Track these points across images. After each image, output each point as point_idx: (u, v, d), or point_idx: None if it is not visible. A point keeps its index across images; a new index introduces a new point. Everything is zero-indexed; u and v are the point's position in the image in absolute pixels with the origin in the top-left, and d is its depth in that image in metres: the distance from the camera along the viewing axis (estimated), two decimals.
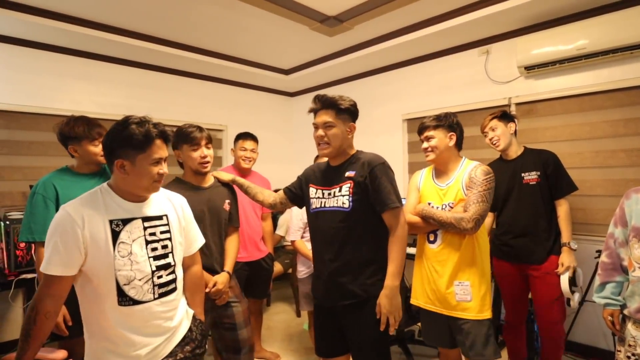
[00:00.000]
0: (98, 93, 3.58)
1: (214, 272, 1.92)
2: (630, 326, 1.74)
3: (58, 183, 1.89)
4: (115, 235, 1.25)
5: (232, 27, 3.29)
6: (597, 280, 1.89)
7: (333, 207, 1.71)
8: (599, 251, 2.41)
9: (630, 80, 2.68)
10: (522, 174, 2.35)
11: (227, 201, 2.05)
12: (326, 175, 1.81)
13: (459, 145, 1.97)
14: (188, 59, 3.78)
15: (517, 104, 3.25)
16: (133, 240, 1.29)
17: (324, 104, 1.72)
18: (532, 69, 3.05)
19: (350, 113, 1.74)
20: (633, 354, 1.72)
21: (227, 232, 2.08)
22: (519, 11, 2.85)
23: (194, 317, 1.53)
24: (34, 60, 3.22)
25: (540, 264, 2.28)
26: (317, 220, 1.78)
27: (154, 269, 1.33)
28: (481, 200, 1.78)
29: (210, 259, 1.92)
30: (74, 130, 1.89)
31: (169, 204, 1.47)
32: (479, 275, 1.83)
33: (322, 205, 1.76)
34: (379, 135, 4.30)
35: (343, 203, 1.68)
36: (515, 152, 2.45)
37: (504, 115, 2.44)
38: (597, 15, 2.73)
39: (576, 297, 2.24)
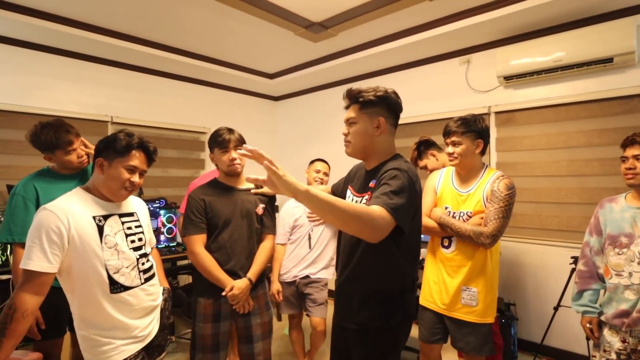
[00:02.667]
0: (80, 93, 3.48)
1: (236, 276, 1.86)
2: (606, 332, 1.79)
3: (38, 184, 1.87)
4: (100, 230, 1.35)
5: (217, 30, 3.27)
6: (575, 288, 1.94)
7: None
8: (574, 257, 2.47)
9: (604, 92, 2.79)
10: None
11: (261, 206, 2.01)
12: (361, 180, 1.55)
13: (483, 151, 1.93)
14: (172, 61, 3.73)
15: (497, 113, 3.33)
16: (115, 233, 1.41)
17: (349, 98, 1.48)
18: (511, 79, 3.12)
19: (377, 105, 1.43)
20: (608, 359, 1.77)
21: (261, 238, 2.02)
22: (499, 23, 2.93)
23: (163, 289, 1.68)
24: (12, 57, 3.12)
25: None
26: None
27: (137, 257, 1.46)
28: (502, 216, 1.77)
29: (234, 262, 1.87)
30: (40, 139, 1.85)
31: (138, 204, 1.62)
32: (487, 285, 1.86)
33: None
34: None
35: None
36: None
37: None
38: (573, 29, 2.83)
39: None
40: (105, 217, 1.39)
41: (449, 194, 1.97)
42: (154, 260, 1.59)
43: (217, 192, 1.93)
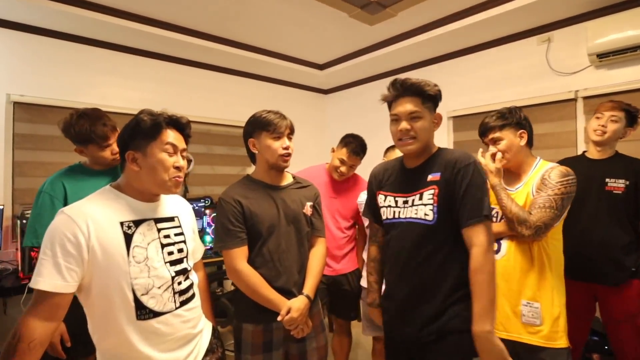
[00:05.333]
0: (125, 87, 3.41)
1: (290, 294, 1.54)
2: None
3: (67, 181, 1.70)
4: (128, 239, 1.08)
5: (265, 15, 3.05)
6: None
7: (411, 218, 1.39)
8: None
9: None
10: (607, 179, 2.00)
11: (309, 204, 1.68)
12: (401, 178, 1.49)
13: (530, 142, 1.68)
14: (218, 52, 3.58)
15: (585, 98, 2.86)
16: (148, 244, 1.14)
17: (408, 89, 1.40)
18: (606, 57, 2.65)
19: (435, 101, 1.43)
20: None
21: (311, 243, 1.70)
22: None
23: (213, 327, 1.41)
24: (59, 51, 3.08)
25: (616, 286, 1.92)
26: (391, 233, 1.47)
27: (173, 274, 1.17)
28: (549, 206, 1.47)
29: (286, 278, 1.55)
30: (75, 130, 1.69)
31: (180, 206, 1.34)
32: (551, 296, 1.52)
33: (396, 215, 1.45)
34: None
35: (426, 214, 1.35)
36: (604, 152, 2.07)
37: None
38: None
39: None
40: (137, 223, 1.13)
41: None
42: (195, 278, 1.30)
43: (254, 192, 1.59)
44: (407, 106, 1.38)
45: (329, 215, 2.30)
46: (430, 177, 1.38)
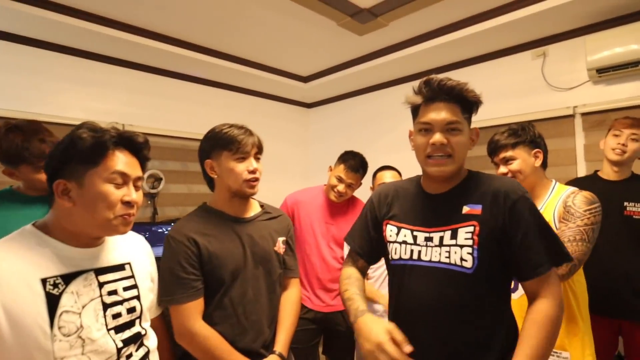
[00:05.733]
0: (89, 97, 3.07)
1: (258, 356, 1.25)
2: None
3: None
4: (52, 302, 0.78)
5: (245, 22, 2.82)
6: None
7: (440, 263, 1.06)
8: None
9: None
10: (625, 203, 1.84)
11: (281, 239, 1.40)
12: (421, 207, 1.16)
13: (544, 163, 1.54)
14: (194, 61, 3.30)
15: (584, 114, 2.73)
16: (83, 307, 0.84)
17: (447, 92, 1.08)
18: (606, 72, 2.54)
19: (475, 109, 1.15)
20: None
21: (283, 286, 1.42)
22: (586, 5, 2.39)
23: None
24: (10, 56, 2.72)
25: None
26: (405, 280, 1.12)
27: (119, 345, 0.88)
28: (581, 239, 1.32)
29: (252, 335, 1.25)
30: (1, 146, 1.37)
31: (135, 247, 1.05)
32: (582, 344, 1.35)
33: (414, 256, 1.11)
34: (413, 153, 3.77)
35: (463, 259, 1.02)
36: (622, 172, 1.92)
37: None
38: None
39: None
40: (68, 278, 0.83)
41: None
42: (152, 343, 0.98)
43: (214, 227, 1.28)
44: (442, 113, 1.07)
45: (323, 243, 2.05)
46: (467, 210, 1.07)
